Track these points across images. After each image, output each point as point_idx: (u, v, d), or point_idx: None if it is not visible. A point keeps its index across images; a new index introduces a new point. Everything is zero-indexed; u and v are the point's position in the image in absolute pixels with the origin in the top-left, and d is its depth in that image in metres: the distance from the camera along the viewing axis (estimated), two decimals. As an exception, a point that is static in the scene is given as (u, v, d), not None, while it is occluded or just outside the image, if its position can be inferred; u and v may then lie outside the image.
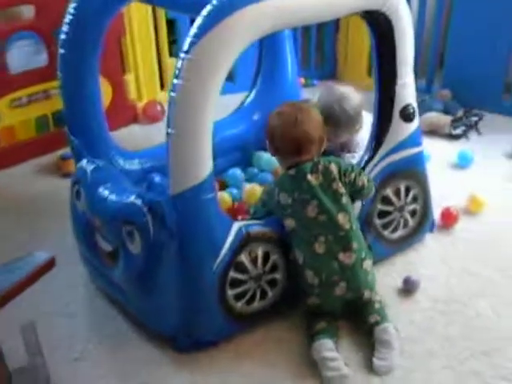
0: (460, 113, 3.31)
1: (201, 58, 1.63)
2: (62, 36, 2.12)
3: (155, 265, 1.82)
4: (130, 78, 3.47)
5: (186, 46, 1.65)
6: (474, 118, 3.33)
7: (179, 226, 1.77)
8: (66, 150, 2.99)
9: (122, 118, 3.38)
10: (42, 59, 3.04)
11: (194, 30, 1.65)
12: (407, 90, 2.14)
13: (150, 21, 3.51)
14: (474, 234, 2.54)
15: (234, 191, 2.56)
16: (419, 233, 2.42)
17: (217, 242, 1.83)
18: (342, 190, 1.98)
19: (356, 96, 2.41)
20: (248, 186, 2.53)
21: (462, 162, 3.01)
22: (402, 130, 2.18)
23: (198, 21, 1.65)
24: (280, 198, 1.98)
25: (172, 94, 1.66)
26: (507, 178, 2.94)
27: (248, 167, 2.73)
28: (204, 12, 1.65)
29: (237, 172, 2.65)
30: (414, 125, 2.21)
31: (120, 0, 2.19)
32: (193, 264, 1.82)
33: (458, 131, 3.25)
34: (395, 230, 2.31)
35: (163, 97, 3.68)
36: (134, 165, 2.39)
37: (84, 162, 2.04)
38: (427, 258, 2.40)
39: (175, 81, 1.65)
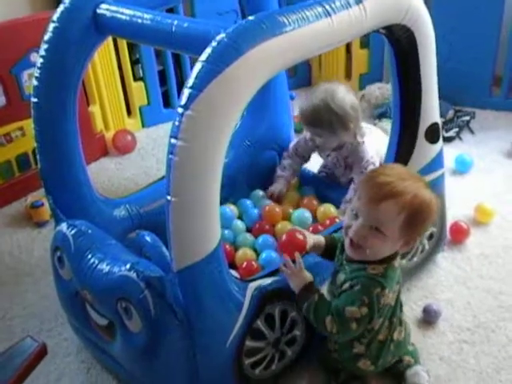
0: (450, 113, 3.13)
1: (204, 113, 1.35)
2: (35, 82, 1.81)
3: (159, 344, 1.58)
4: (94, 109, 3.22)
5: (183, 100, 1.37)
6: (466, 118, 3.16)
7: (185, 304, 1.54)
8: (34, 197, 2.77)
9: (90, 153, 3.06)
10: (-1, 100, 2.77)
11: (192, 79, 1.36)
12: (433, 107, 1.94)
13: (110, 43, 3.20)
14: (487, 248, 2.38)
15: (226, 232, 2.21)
16: (434, 255, 2.25)
17: (230, 314, 1.60)
18: None
19: (344, 91, 2.21)
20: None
21: (461, 168, 2.84)
22: (426, 152, 1.99)
23: (197, 67, 1.37)
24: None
25: (170, 156, 1.39)
26: (512, 180, 2.79)
27: (238, 200, 2.42)
28: (203, 57, 1.37)
29: (226, 210, 2.30)
30: (439, 146, 2.02)
31: (98, 34, 1.80)
32: (203, 343, 1.60)
33: (451, 133, 3.07)
34: (412, 257, 2.13)
35: (132, 124, 3.45)
36: (122, 211, 2.11)
37: (63, 226, 1.78)
38: (443, 281, 2.23)
39: (173, 141, 1.38)
